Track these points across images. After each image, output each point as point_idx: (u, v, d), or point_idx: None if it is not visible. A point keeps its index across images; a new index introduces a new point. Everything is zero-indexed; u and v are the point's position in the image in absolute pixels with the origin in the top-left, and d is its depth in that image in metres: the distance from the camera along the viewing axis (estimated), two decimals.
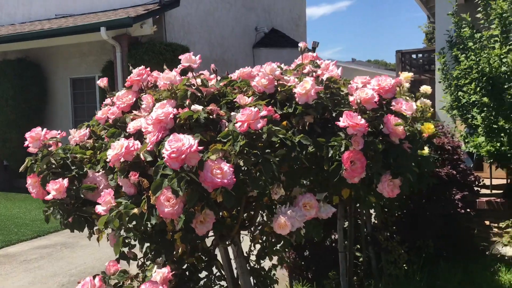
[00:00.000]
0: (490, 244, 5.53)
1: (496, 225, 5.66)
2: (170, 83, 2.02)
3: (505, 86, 4.67)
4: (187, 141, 1.56)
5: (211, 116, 1.84)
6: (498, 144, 4.86)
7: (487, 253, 5.16)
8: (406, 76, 6.05)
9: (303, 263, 4.46)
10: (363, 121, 1.92)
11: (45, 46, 10.60)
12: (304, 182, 2.18)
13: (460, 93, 5.23)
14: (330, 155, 1.95)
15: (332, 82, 2.14)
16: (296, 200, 2.01)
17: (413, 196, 4.47)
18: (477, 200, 5.76)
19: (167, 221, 1.74)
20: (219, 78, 2.18)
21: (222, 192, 1.60)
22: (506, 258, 4.84)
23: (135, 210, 1.75)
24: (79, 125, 2.34)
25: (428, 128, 3.78)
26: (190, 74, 2.34)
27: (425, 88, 6.23)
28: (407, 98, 2.55)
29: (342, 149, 1.91)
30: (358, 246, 4.54)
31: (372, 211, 4.55)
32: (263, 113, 1.76)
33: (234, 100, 1.95)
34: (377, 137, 2.07)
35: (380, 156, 2.01)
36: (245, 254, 3.13)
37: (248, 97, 2.01)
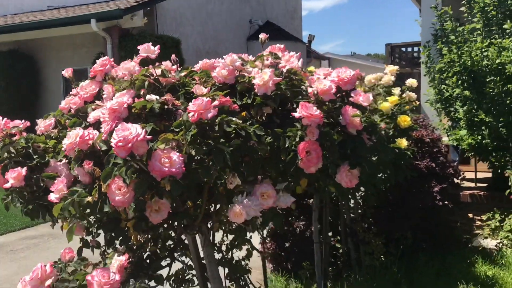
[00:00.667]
0: (473, 237, 5.57)
1: (479, 217, 5.70)
2: (129, 73, 2.03)
3: (487, 80, 4.69)
4: (134, 130, 1.58)
5: (166, 106, 1.86)
6: (479, 137, 4.89)
7: (469, 245, 5.21)
8: (391, 70, 6.05)
9: (283, 254, 4.49)
10: (318, 112, 1.93)
11: (37, 38, 10.59)
12: (269, 172, 2.21)
13: (443, 86, 5.25)
14: (286, 145, 1.97)
15: (292, 73, 2.16)
16: (254, 190, 2.03)
17: (393, 188, 4.50)
18: (461, 193, 5.80)
19: (119, 209, 1.76)
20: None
21: (170, 181, 1.62)
22: (487, 250, 4.88)
23: (89, 199, 1.77)
24: (45, 115, 2.36)
25: (404, 120, 3.82)
26: (168, 64, 2.36)
27: (411, 82, 6.26)
28: (367, 89, 2.56)
29: (297, 139, 1.93)
30: (339, 238, 4.58)
31: (352, 202, 4.59)
32: (215, 103, 1.78)
33: (192, 91, 1.97)
34: (334, 128, 2.09)
35: (336, 147, 2.03)
36: (218, 244, 3.18)
37: (208, 87, 2.03)
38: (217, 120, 1.76)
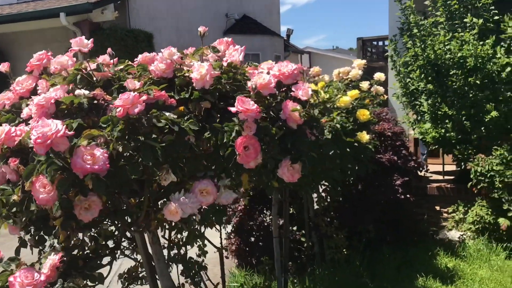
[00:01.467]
0: (440, 229, 5.63)
1: (446, 210, 5.76)
2: (61, 67, 1.97)
3: (450, 73, 4.72)
4: (54, 126, 1.53)
5: (96, 101, 1.81)
6: (443, 131, 4.93)
7: (436, 237, 5.26)
8: (359, 64, 6.06)
9: (247, 249, 4.47)
10: (255, 106, 1.90)
11: (7, 32, 10.34)
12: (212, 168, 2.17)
13: (408, 80, 5.27)
14: (225, 140, 1.94)
15: (232, 67, 2.12)
16: (193, 186, 1.99)
17: (357, 182, 4.51)
18: (428, 186, 5.85)
19: (47, 208, 1.71)
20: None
21: (92, 179, 1.57)
22: (452, 242, 4.93)
23: (15, 197, 1.71)
24: None
25: (363, 114, 3.81)
26: (101, 58, 2.30)
27: (379, 75, 6.27)
28: (310, 83, 2.54)
29: (233, 134, 1.90)
30: (304, 232, 4.58)
31: (315, 196, 4.59)
32: (143, 98, 1.73)
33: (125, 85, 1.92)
34: (275, 123, 2.06)
35: (275, 141, 2.01)
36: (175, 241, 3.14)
37: (145, 82, 1.98)
38: (145, 115, 1.71)
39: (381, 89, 6.15)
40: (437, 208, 5.84)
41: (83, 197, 1.65)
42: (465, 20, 4.59)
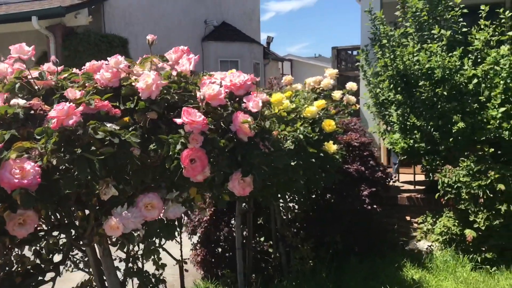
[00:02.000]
0: (410, 239, 5.64)
1: (416, 220, 5.77)
2: (0, 75, 1.89)
3: (419, 84, 4.73)
4: None
5: (32, 112, 1.73)
6: (412, 141, 4.93)
7: (406, 248, 5.25)
8: (331, 73, 6.04)
9: (213, 260, 4.39)
10: (201, 118, 1.84)
11: None
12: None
13: (378, 90, 5.28)
14: (170, 153, 1.87)
15: (182, 77, 2.06)
16: (137, 200, 1.92)
17: (325, 192, 4.48)
18: (399, 195, 5.86)
19: None
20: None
21: (21, 194, 1.49)
22: (422, 252, 4.92)
23: None
24: None
25: (329, 125, 3.79)
26: (46, 66, 2.22)
27: (351, 85, 6.27)
28: (265, 93, 2.49)
29: (178, 146, 1.83)
30: (272, 242, 4.53)
31: (282, 207, 4.54)
32: (80, 109, 1.66)
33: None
34: (225, 135, 2.01)
35: (224, 154, 1.95)
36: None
37: (88, 91, 1.91)
38: (82, 127, 1.63)
39: (352, 98, 6.16)
40: (408, 218, 5.85)
41: (14, 213, 1.56)
42: (433, 31, 4.62)
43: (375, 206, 4.34)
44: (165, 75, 2.04)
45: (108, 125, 1.78)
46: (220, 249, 4.44)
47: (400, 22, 5.19)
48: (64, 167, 1.66)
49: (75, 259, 2.86)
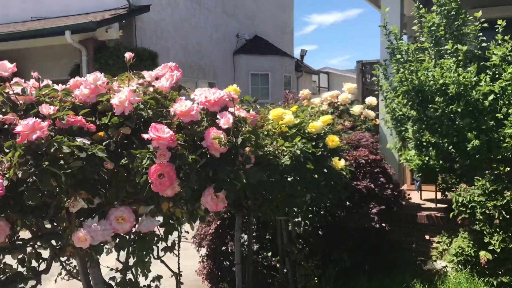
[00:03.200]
0: (428, 259, 5.48)
1: (435, 239, 5.61)
2: None
3: (435, 100, 4.63)
4: None
5: (6, 126, 1.83)
6: (427, 158, 4.82)
7: (424, 267, 5.11)
8: (349, 88, 6.02)
9: (219, 273, 4.42)
10: (168, 134, 1.89)
11: (19, 48, 10.65)
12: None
13: (394, 105, 5.20)
14: (139, 168, 1.93)
15: (158, 93, 2.12)
16: (108, 213, 1.98)
17: (333, 208, 4.44)
18: (418, 214, 5.72)
19: None
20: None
21: None
22: (438, 273, 4.78)
23: None
24: None
25: (332, 140, 3.77)
26: (32, 81, 2.32)
27: (370, 100, 6.21)
28: (247, 109, 2.51)
29: (145, 161, 1.88)
30: (278, 257, 4.51)
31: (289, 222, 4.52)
32: (43, 124, 1.73)
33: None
34: (197, 150, 2.05)
35: (193, 169, 1.98)
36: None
37: (63, 106, 1.99)
38: (46, 141, 1.71)
39: (371, 113, 6.12)
40: (427, 237, 5.69)
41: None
42: (446, 46, 4.52)
43: (383, 224, 4.25)
44: (142, 91, 2.10)
45: (79, 139, 1.85)
46: (227, 262, 4.47)
47: (418, 37, 5.12)
48: (31, 179, 1.73)
49: (69, 268, 2.95)
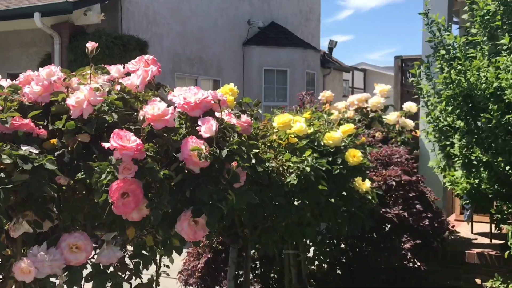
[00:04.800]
0: None
1: (487, 284, 5.55)
2: None
3: (489, 107, 4.61)
4: None
5: None
6: (477, 181, 4.79)
7: None
8: (382, 90, 6.05)
9: None
10: (135, 143, 1.91)
11: None
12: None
13: (437, 113, 5.18)
14: (98, 184, 1.96)
15: (126, 93, 2.16)
16: (59, 240, 2.01)
17: (356, 241, 4.43)
18: (467, 251, 5.66)
19: None
20: None
21: None
22: None
23: None
24: None
25: (353, 156, 3.79)
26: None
27: (409, 106, 6.22)
28: (238, 114, 2.54)
29: (105, 176, 1.91)
30: None
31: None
32: None
33: None
34: (170, 164, 2.07)
35: (165, 188, 2.01)
36: None
37: (8, 107, 2.03)
38: None
39: (409, 123, 6.11)
40: (478, 281, 5.64)
41: None
42: (502, 41, 4.50)
43: (419, 263, 4.23)
44: (108, 90, 2.14)
45: (24, 148, 1.89)
46: None
47: (468, 28, 5.11)
48: None
49: None
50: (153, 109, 2.04)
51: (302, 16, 17.48)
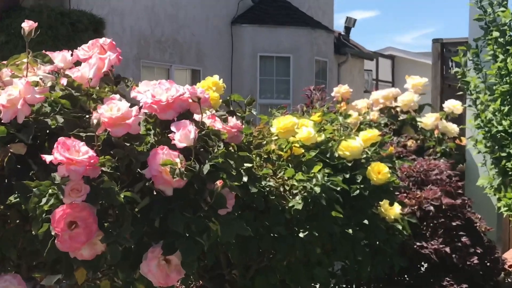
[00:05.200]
0: None
1: None
2: None
3: None
4: None
5: None
6: None
7: None
8: (415, 84, 6.11)
9: None
10: (87, 155, 1.92)
11: None
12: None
13: (488, 114, 5.21)
14: (37, 211, 1.96)
15: (74, 88, 2.16)
16: None
17: (381, 285, 4.45)
18: None
19: None
20: None
21: None
22: None
23: None
24: None
25: (378, 172, 3.81)
26: None
27: (451, 105, 6.27)
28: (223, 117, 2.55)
29: (44, 200, 1.91)
30: None
31: None
32: None
33: None
34: (134, 183, 2.08)
35: (128, 215, 2.01)
36: None
37: None
38: None
39: (452, 128, 6.13)
40: None
41: None
42: None
43: None
44: (51, 85, 2.15)
45: None
46: None
47: None
48: None
49: None
50: (111, 110, 2.05)
51: None
